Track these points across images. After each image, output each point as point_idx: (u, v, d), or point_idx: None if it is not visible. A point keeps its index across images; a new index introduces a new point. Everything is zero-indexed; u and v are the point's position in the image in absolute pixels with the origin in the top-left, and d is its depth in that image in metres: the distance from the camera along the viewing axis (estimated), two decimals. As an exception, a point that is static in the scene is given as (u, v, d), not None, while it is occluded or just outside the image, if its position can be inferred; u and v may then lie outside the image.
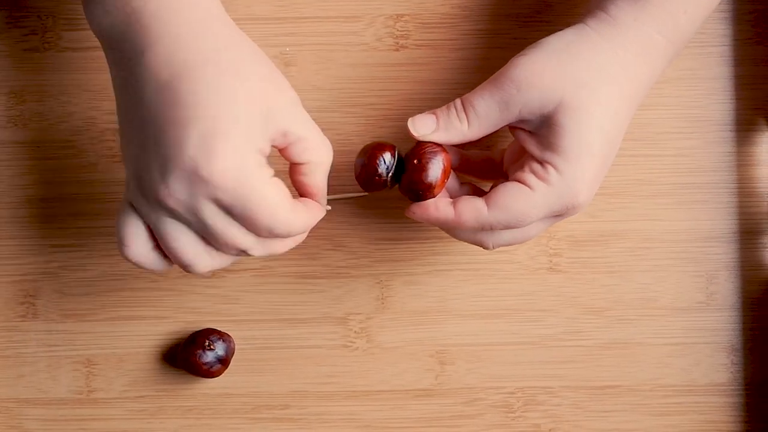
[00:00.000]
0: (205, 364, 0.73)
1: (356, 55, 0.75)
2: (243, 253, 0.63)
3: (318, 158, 0.65)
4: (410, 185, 0.66)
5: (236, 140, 0.60)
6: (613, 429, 0.75)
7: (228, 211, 0.61)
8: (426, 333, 0.75)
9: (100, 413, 0.75)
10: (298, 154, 0.64)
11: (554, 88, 0.63)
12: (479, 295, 0.75)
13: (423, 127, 0.66)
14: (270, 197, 0.61)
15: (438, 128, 0.66)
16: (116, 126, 0.75)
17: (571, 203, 0.64)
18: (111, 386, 0.75)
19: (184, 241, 0.62)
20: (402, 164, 0.67)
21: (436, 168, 0.65)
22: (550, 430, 0.75)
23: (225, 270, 0.75)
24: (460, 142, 0.66)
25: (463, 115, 0.65)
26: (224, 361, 0.73)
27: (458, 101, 0.65)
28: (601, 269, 0.75)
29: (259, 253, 0.64)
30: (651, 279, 0.75)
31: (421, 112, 0.66)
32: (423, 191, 0.66)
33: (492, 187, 0.66)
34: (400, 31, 0.75)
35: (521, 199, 0.64)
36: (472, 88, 0.66)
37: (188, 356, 0.73)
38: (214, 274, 0.75)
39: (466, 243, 0.68)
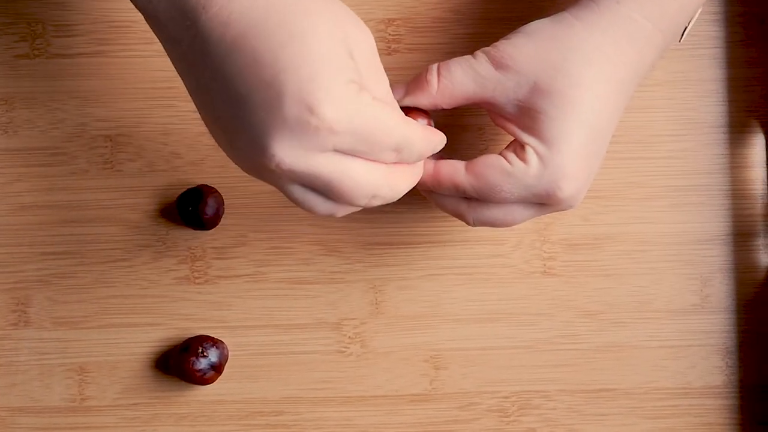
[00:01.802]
0: (199, 371, 0.72)
1: (348, 60, 0.74)
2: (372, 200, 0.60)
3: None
4: None
5: (332, 80, 0.56)
6: (608, 432, 0.75)
7: (349, 150, 0.58)
8: (420, 338, 0.75)
9: (93, 421, 0.75)
10: None
11: (527, 72, 0.63)
12: (473, 299, 0.75)
13: (395, 93, 0.65)
14: (386, 116, 0.58)
15: (407, 90, 0.65)
16: (107, 132, 0.74)
17: (551, 192, 0.63)
18: (104, 394, 0.75)
19: (313, 202, 0.60)
20: None
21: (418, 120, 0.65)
22: (545, 434, 0.75)
23: (218, 276, 0.74)
24: (429, 106, 0.65)
25: (434, 76, 0.65)
26: (217, 368, 0.73)
27: (434, 64, 0.65)
28: (595, 272, 0.75)
29: (387, 193, 0.60)
30: (645, 282, 0.75)
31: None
32: None
33: None
34: (392, 35, 0.75)
35: (498, 170, 0.63)
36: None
37: (181, 363, 0.72)
38: (207, 280, 0.74)
39: (449, 214, 0.67)
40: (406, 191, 0.62)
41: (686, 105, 0.75)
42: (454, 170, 0.64)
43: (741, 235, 0.75)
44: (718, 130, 0.75)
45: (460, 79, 0.64)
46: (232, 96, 0.58)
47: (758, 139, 0.75)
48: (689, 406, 0.75)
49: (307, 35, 0.57)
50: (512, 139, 0.65)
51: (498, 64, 0.63)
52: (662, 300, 0.75)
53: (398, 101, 0.65)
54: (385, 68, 0.73)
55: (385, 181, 0.60)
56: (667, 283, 0.75)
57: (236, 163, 0.60)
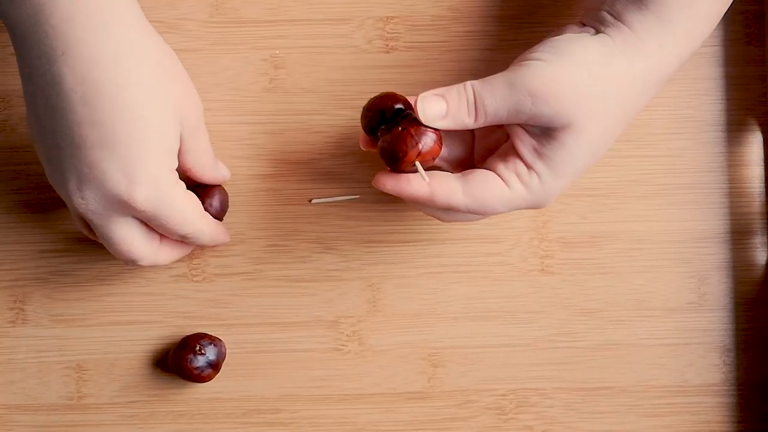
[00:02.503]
0: (196, 368, 0.72)
1: (346, 58, 0.74)
2: (132, 262, 0.67)
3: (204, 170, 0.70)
4: (397, 152, 0.63)
5: (154, 167, 0.62)
6: (606, 430, 0.75)
7: (144, 220, 0.65)
8: (418, 335, 0.75)
9: (90, 419, 0.75)
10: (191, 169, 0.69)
11: (567, 113, 0.61)
12: (471, 297, 0.75)
13: (432, 113, 0.63)
14: (187, 212, 0.66)
15: (446, 117, 0.63)
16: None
17: (536, 207, 0.64)
18: (102, 392, 0.75)
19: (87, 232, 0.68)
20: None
21: (428, 141, 0.63)
22: (543, 431, 0.75)
23: (216, 274, 0.74)
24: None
25: (473, 110, 0.62)
26: (215, 366, 0.73)
27: (470, 92, 0.62)
28: (593, 270, 0.75)
29: (146, 263, 0.67)
30: (643, 280, 0.75)
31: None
32: (403, 160, 0.63)
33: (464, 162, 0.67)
34: (390, 33, 0.75)
35: (496, 194, 0.63)
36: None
37: (179, 361, 0.72)
38: (204, 278, 0.74)
39: (433, 218, 0.68)
40: (164, 263, 0.69)
41: (685, 103, 0.75)
42: (451, 192, 0.63)
43: (739, 233, 0.75)
44: (716, 129, 0.75)
45: (494, 113, 0.62)
46: (62, 138, 0.62)
47: (756, 137, 0.75)
48: (687, 403, 0.75)
49: (149, 121, 0.62)
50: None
51: (539, 99, 0.61)
52: (660, 298, 0.75)
53: (432, 122, 0.63)
54: (383, 66, 0.74)
55: (151, 256, 0.67)
56: (664, 281, 0.75)
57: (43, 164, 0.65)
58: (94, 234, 0.67)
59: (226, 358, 0.74)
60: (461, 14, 0.74)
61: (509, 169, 0.63)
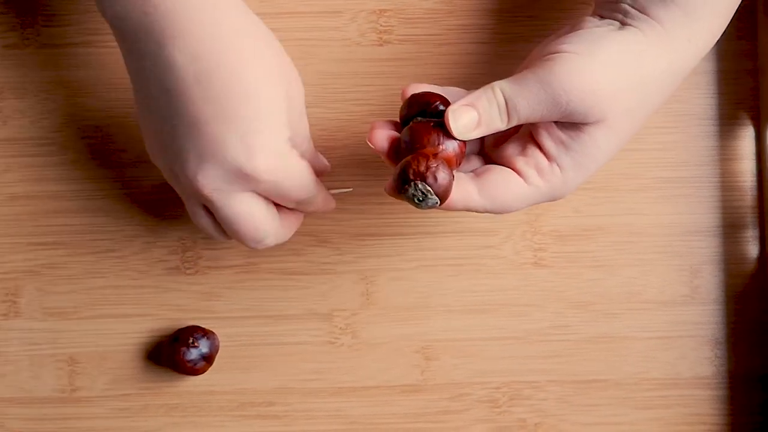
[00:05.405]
0: (189, 361, 0.72)
1: (339, 51, 0.74)
2: (259, 241, 0.66)
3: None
4: (414, 142, 0.61)
5: (272, 137, 0.62)
6: (598, 423, 0.75)
7: (262, 194, 0.64)
8: (411, 328, 0.75)
9: (83, 412, 0.75)
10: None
11: (603, 109, 0.60)
12: (465, 291, 0.75)
13: (465, 125, 0.61)
14: (305, 177, 0.64)
15: (479, 126, 0.61)
16: (97, 122, 0.74)
17: (553, 200, 0.63)
18: (94, 385, 0.75)
19: (206, 225, 0.67)
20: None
21: (449, 147, 0.61)
22: (536, 424, 0.75)
23: (208, 266, 0.74)
24: None
25: (505, 115, 0.61)
26: (208, 359, 0.73)
27: (500, 97, 0.60)
28: (586, 263, 0.75)
29: (272, 241, 0.66)
30: (636, 273, 0.75)
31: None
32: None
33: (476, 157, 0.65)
34: (384, 26, 0.74)
35: (514, 192, 0.62)
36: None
37: (172, 354, 0.72)
38: (197, 270, 0.74)
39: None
40: (287, 238, 0.68)
41: (676, 97, 0.75)
42: (468, 195, 0.62)
43: (730, 227, 0.75)
44: (708, 122, 0.75)
45: (527, 115, 0.61)
46: (178, 118, 0.62)
47: (748, 131, 0.75)
48: (679, 396, 0.76)
49: (263, 92, 0.61)
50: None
51: (575, 97, 0.59)
52: (652, 291, 0.75)
53: (465, 134, 0.61)
54: (376, 59, 0.74)
55: (277, 231, 0.66)
56: (657, 274, 0.75)
57: (156, 164, 0.66)
58: (216, 226, 0.66)
59: (219, 351, 0.74)
60: (455, 7, 0.74)
61: (529, 164, 0.62)
